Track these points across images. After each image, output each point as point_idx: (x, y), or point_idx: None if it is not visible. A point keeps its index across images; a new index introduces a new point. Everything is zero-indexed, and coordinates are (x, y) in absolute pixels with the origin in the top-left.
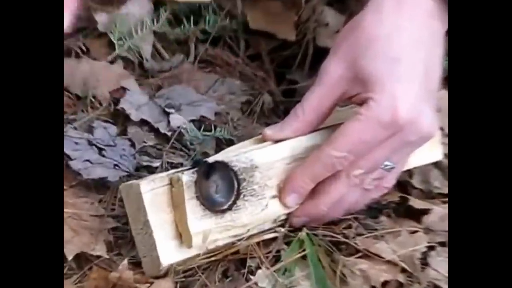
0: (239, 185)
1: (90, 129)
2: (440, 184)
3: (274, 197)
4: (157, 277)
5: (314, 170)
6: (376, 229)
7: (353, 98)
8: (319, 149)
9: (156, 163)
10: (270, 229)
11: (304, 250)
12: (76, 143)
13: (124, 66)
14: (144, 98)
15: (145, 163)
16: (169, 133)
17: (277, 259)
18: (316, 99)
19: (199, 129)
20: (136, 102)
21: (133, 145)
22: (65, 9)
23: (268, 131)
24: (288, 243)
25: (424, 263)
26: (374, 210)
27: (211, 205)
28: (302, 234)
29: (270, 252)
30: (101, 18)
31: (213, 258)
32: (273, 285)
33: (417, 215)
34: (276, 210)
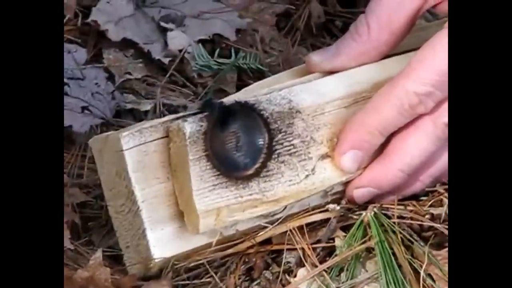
0: (271, 139)
1: None
2: None
3: (324, 157)
4: (147, 278)
5: (384, 116)
6: None
7: (441, 6)
8: (392, 83)
9: (146, 106)
10: (318, 206)
11: (370, 239)
12: None
13: None
14: (128, 7)
15: (129, 106)
16: (166, 60)
17: (329, 252)
18: (387, 10)
19: (211, 54)
20: (116, 13)
21: (111, 78)
22: None
23: (316, 58)
24: (346, 228)
25: None
26: None
27: (228, 169)
28: (368, 215)
29: (318, 241)
30: None
31: (231, 250)
32: None
33: None
34: (327, 177)
